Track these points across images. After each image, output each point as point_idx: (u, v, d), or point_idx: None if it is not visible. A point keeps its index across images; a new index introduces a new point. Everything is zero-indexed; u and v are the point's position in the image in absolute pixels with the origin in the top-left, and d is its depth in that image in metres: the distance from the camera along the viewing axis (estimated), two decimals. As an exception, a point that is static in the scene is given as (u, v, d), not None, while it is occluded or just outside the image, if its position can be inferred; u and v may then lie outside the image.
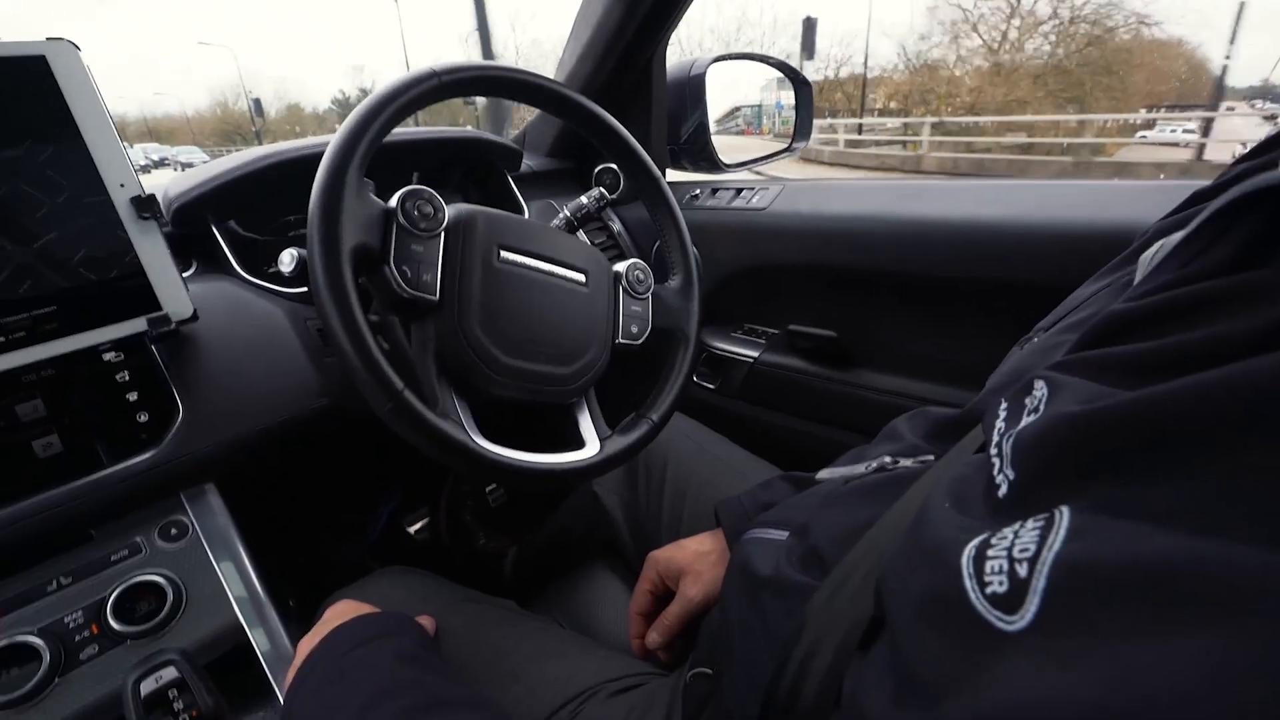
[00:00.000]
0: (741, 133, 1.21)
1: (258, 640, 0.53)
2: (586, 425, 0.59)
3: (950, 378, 0.77)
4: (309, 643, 0.46)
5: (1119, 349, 0.23)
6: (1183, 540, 0.15)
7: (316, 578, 0.76)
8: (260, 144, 1.04)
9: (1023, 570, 0.18)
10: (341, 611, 0.49)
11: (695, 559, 0.58)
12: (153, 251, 0.54)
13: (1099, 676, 0.15)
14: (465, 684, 0.43)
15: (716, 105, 1.10)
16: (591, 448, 0.57)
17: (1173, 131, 16.23)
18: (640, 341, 0.62)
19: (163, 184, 0.71)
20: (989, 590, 0.19)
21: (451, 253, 0.50)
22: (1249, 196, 0.21)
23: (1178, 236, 0.26)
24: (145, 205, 0.53)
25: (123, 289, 0.54)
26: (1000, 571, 0.19)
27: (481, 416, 0.52)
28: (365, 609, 0.50)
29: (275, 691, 0.52)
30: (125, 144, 0.54)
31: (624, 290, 0.61)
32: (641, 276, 0.62)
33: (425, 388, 0.50)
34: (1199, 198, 0.36)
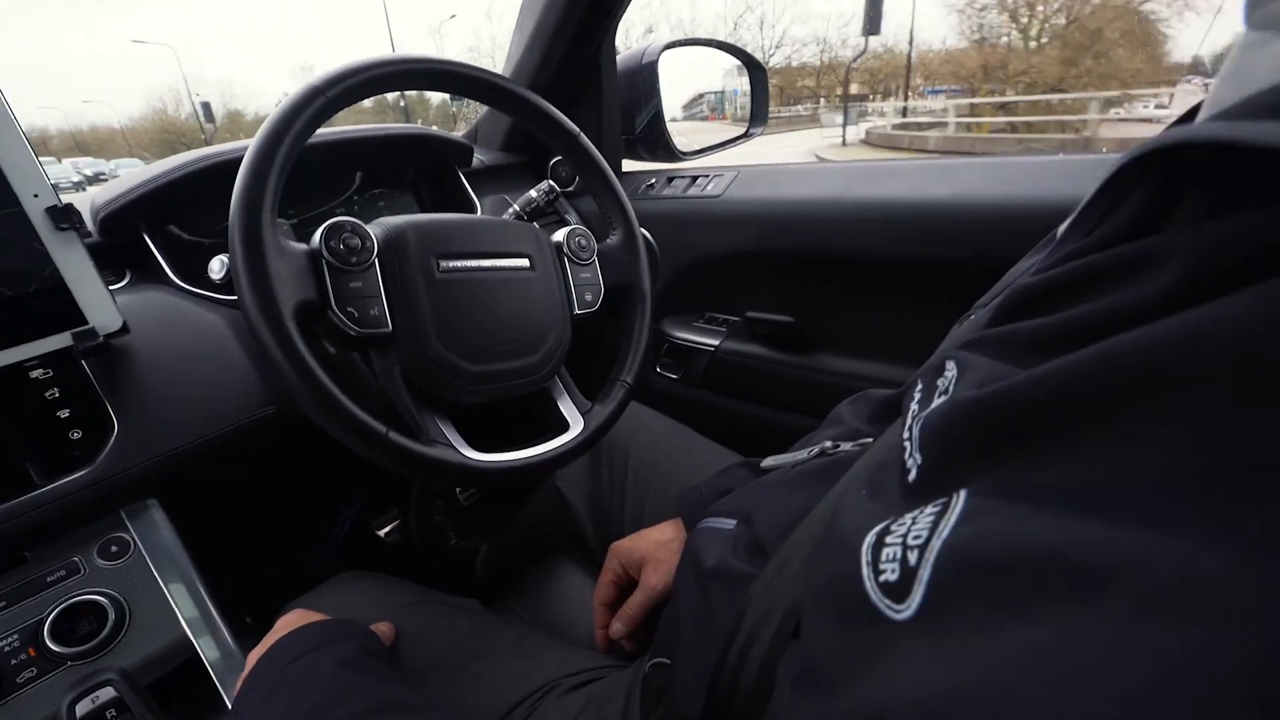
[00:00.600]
0: (705, 118, 1.20)
1: (208, 654, 0.52)
2: (566, 405, 0.59)
3: (905, 358, 0.78)
4: (257, 654, 0.45)
5: (1022, 325, 0.23)
6: (1064, 522, 0.15)
7: (283, 587, 0.75)
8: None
9: (913, 557, 0.18)
10: (290, 621, 0.49)
11: (657, 548, 0.58)
12: (74, 264, 0.52)
13: (977, 667, 0.15)
14: (412, 688, 0.43)
15: (681, 91, 1.10)
16: (576, 425, 0.57)
17: (1144, 107, 16.53)
18: (597, 307, 0.62)
19: (90, 194, 0.69)
20: (882, 578, 0.19)
21: (391, 278, 0.49)
22: (1134, 162, 0.21)
23: (1080, 205, 0.26)
24: (62, 215, 0.51)
25: (44, 304, 0.52)
26: (894, 559, 0.18)
27: (462, 425, 0.52)
28: (315, 617, 0.49)
29: (227, 705, 0.51)
30: (51, 158, 0.52)
31: (569, 259, 0.61)
32: (584, 242, 0.62)
33: (406, 419, 0.50)
34: None
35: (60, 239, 0.52)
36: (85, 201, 0.68)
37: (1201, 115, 0.24)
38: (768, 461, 0.49)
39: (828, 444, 0.43)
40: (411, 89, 0.56)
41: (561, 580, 0.72)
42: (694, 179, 0.95)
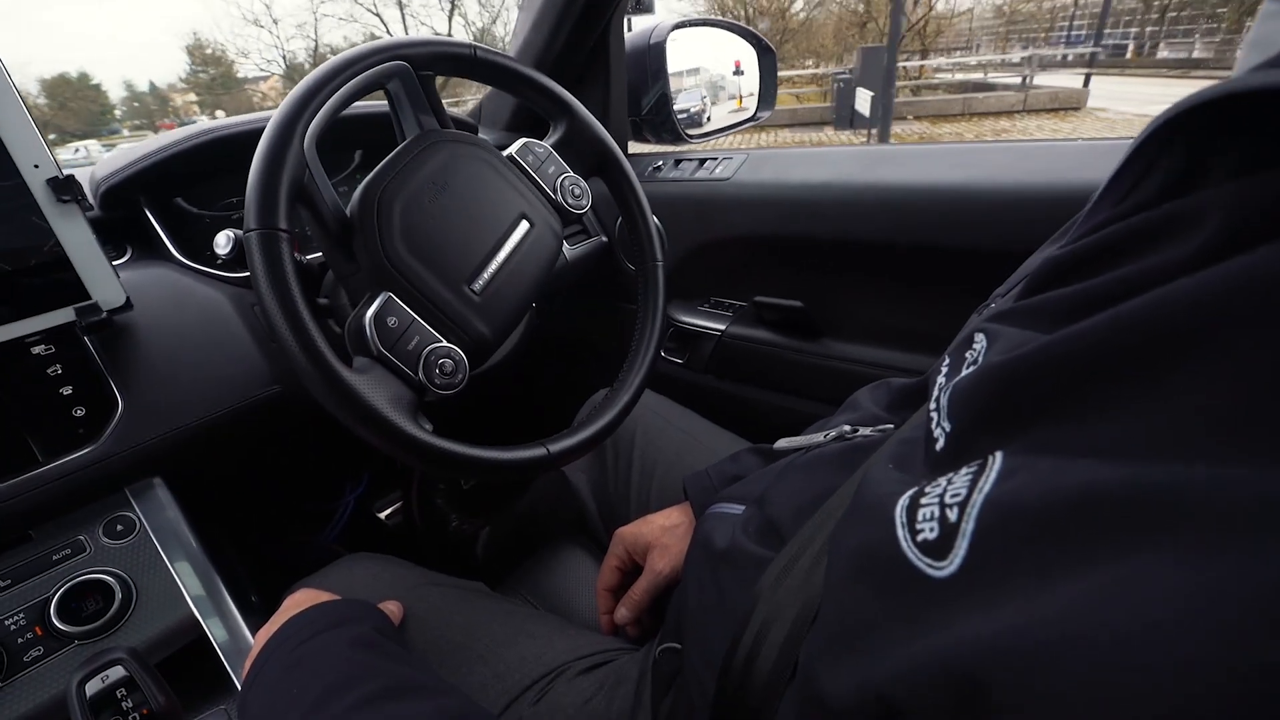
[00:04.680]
0: (733, 98, 1.22)
1: (215, 633, 0.52)
2: None
3: (917, 345, 0.77)
4: (266, 633, 0.45)
5: (1051, 294, 0.23)
6: (1116, 468, 0.15)
7: (285, 569, 0.75)
8: None
9: (953, 515, 0.18)
10: (299, 601, 0.48)
11: (662, 533, 0.58)
12: (76, 237, 0.51)
13: (1028, 615, 0.15)
14: (426, 669, 0.42)
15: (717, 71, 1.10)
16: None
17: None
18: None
19: (89, 167, 0.68)
20: (920, 538, 0.19)
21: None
22: (1163, 127, 0.21)
23: (1110, 174, 0.26)
24: (64, 187, 0.50)
25: (46, 278, 0.51)
26: (931, 518, 0.19)
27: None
28: (324, 597, 0.49)
29: (235, 684, 0.51)
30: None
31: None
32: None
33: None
34: None
35: (62, 211, 0.51)
36: (84, 175, 0.67)
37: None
38: (781, 443, 0.49)
39: (846, 428, 0.43)
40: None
41: (566, 564, 0.72)
42: (702, 161, 0.94)
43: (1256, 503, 0.12)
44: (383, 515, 1.11)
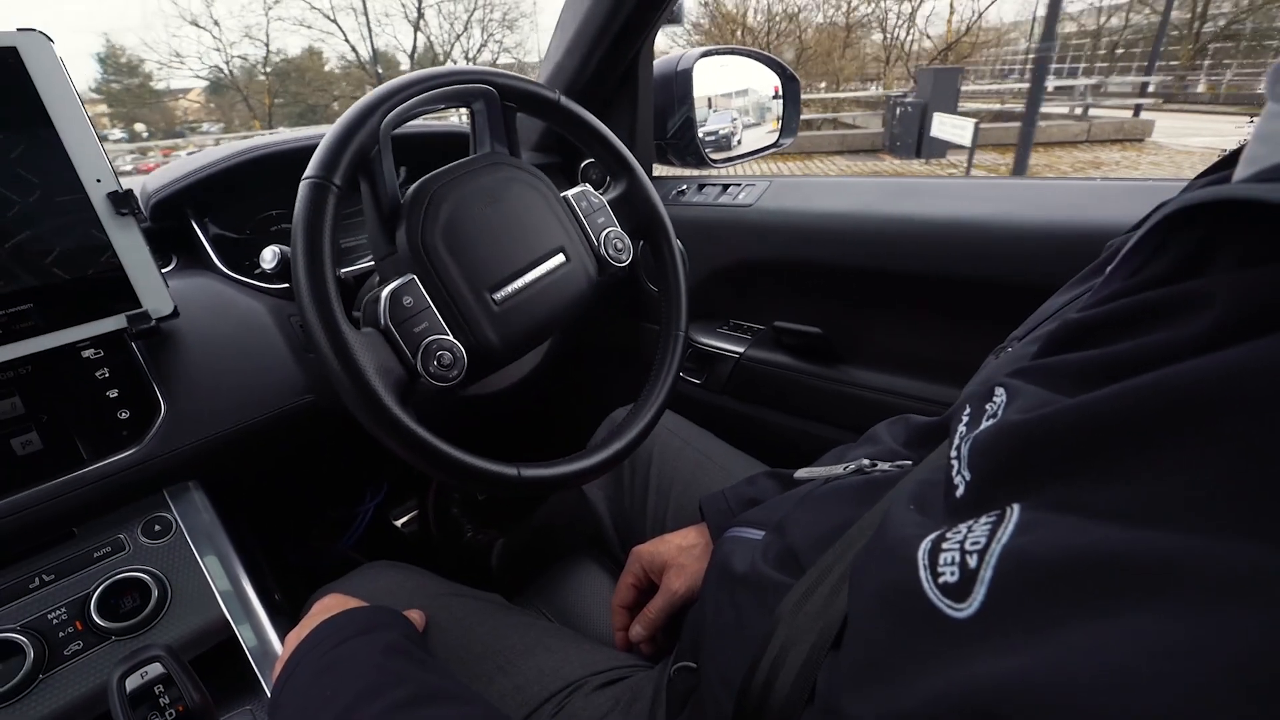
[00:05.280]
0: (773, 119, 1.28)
1: (244, 635, 0.54)
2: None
3: (936, 376, 0.78)
4: (296, 636, 0.47)
5: (1070, 356, 0.25)
6: (1120, 530, 0.16)
7: (305, 573, 0.76)
8: None
9: (973, 561, 0.19)
10: (329, 605, 0.50)
11: (679, 553, 0.59)
12: (131, 248, 0.54)
13: (1039, 659, 0.16)
14: (453, 678, 0.44)
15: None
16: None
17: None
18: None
19: (141, 179, 0.71)
20: (941, 580, 0.20)
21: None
22: (1179, 213, 0.22)
23: (1126, 247, 0.27)
24: (123, 201, 0.53)
25: (101, 286, 0.53)
26: (952, 563, 0.20)
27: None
28: (353, 602, 0.50)
29: (262, 685, 0.52)
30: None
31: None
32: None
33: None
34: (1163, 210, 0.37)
35: (119, 224, 0.54)
36: (135, 185, 0.70)
37: (1239, 170, 0.26)
38: (801, 473, 0.50)
39: (865, 462, 0.44)
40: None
41: (582, 579, 0.73)
42: (725, 187, 0.96)
43: (1242, 575, 0.14)
44: (399, 523, 1.12)
